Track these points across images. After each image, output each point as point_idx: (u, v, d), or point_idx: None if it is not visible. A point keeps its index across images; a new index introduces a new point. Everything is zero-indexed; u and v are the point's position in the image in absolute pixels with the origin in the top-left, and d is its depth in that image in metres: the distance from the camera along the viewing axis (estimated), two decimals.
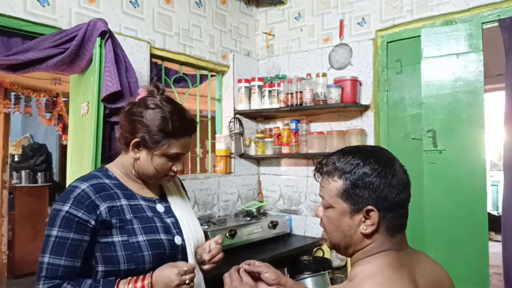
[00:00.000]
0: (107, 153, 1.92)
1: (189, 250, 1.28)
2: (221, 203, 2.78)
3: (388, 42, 2.51)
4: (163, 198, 1.34)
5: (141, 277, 1.12)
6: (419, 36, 2.29)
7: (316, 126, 2.80)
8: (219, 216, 2.67)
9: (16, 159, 5.37)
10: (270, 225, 2.53)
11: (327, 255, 2.64)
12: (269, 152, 2.88)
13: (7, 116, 4.16)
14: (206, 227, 2.24)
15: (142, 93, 1.28)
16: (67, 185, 2.11)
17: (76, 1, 2.05)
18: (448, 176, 2.17)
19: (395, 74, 2.49)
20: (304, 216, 2.83)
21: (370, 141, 2.53)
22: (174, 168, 1.25)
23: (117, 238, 1.15)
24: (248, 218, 2.54)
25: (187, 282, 1.11)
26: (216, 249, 1.32)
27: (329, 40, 2.77)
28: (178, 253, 1.25)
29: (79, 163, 1.85)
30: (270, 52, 3.10)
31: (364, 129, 2.54)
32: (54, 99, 4.34)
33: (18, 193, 4.74)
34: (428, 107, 2.25)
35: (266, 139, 2.89)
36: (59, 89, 4.24)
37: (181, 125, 1.22)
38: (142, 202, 1.26)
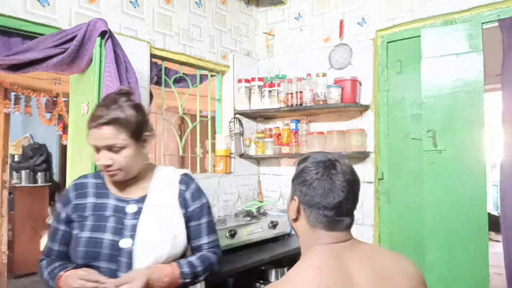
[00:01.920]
0: None
1: (138, 256, 1.22)
2: (221, 203, 2.77)
3: (388, 42, 2.51)
4: (142, 200, 1.31)
5: (68, 269, 1.22)
6: (419, 36, 2.29)
7: (316, 126, 2.80)
8: (219, 216, 2.67)
9: (16, 159, 5.37)
10: (270, 225, 2.53)
11: None
12: (269, 152, 2.88)
13: (7, 116, 4.16)
14: None
15: None
16: (67, 185, 2.12)
17: (76, 1, 2.05)
18: (448, 176, 2.17)
19: (395, 74, 2.49)
20: None
21: (370, 141, 2.53)
22: (97, 162, 1.25)
23: (75, 232, 1.27)
24: (248, 218, 2.54)
25: None
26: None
27: (329, 40, 2.77)
28: (120, 255, 1.22)
29: (79, 163, 1.85)
30: (270, 52, 3.10)
31: (364, 129, 2.54)
32: (54, 99, 4.34)
33: (18, 193, 4.74)
34: (428, 107, 2.25)
35: (266, 139, 2.89)
36: (59, 89, 4.24)
37: (92, 117, 1.24)
38: (112, 202, 1.30)
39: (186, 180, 1.40)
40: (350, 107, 2.53)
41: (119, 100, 1.26)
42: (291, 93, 2.66)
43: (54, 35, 1.80)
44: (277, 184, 3.01)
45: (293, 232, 2.80)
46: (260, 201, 2.96)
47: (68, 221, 1.29)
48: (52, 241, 1.31)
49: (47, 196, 5.02)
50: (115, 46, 1.80)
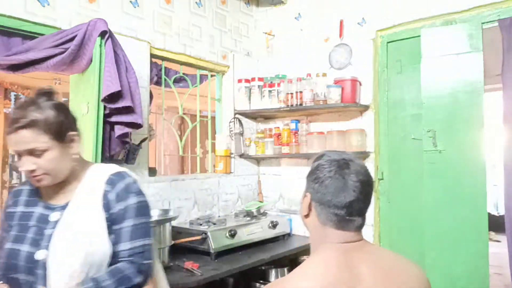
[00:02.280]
0: (107, 153, 1.92)
1: (52, 268, 1.13)
2: (221, 203, 2.78)
3: (388, 42, 2.51)
4: (65, 207, 1.22)
5: None
6: (419, 36, 2.29)
7: (316, 126, 2.80)
8: (219, 216, 2.67)
9: (16, 159, 5.36)
10: (270, 225, 2.53)
11: None
12: (269, 152, 2.88)
13: (7, 116, 4.16)
14: (206, 227, 2.24)
15: None
16: None
17: (76, 1, 2.05)
18: (448, 176, 2.17)
19: (395, 74, 2.49)
20: None
21: (370, 141, 2.53)
22: (20, 168, 1.18)
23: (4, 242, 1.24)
24: (248, 218, 2.54)
25: None
26: None
27: (329, 40, 2.77)
28: (36, 267, 1.15)
29: None
30: (270, 52, 3.10)
31: (364, 129, 2.54)
32: None
33: None
34: (428, 107, 2.25)
35: (266, 139, 2.89)
36: (59, 89, 4.19)
37: (11, 121, 1.16)
38: (39, 210, 1.23)
39: (113, 179, 1.24)
40: (350, 107, 2.53)
41: (37, 101, 1.17)
42: (291, 93, 2.66)
43: (54, 35, 1.80)
44: (277, 184, 3.01)
45: (293, 232, 2.81)
46: (260, 201, 2.96)
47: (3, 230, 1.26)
48: None
49: None
50: (115, 46, 1.80)
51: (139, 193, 1.26)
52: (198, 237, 2.15)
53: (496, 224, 3.85)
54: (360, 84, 2.58)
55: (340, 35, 2.70)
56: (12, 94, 4.03)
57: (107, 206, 1.21)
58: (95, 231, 1.17)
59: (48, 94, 1.22)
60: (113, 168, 1.28)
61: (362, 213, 0.98)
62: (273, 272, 2.33)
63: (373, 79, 2.55)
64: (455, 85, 2.18)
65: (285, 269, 2.40)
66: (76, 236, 1.15)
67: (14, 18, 1.83)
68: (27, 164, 1.14)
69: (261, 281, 2.30)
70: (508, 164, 2.06)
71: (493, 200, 6.26)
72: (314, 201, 0.98)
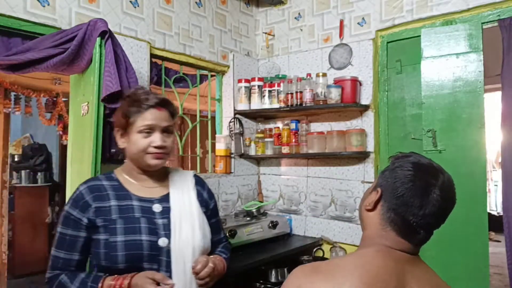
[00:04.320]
0: (107, 153, 1.92)
1: (175, 254, 1.26)
2: (221, 203, 2.77)
3: (388, 42, 2.51)
4: (165, 199, 1.34)
5: (123, 276, 1.19)
6: (419, 36, 2.29)
7: (316, 126, 2.80)
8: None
9: (16, 159, 5.37)
10: (270, 225, 2.53)
11: (327, 255, 2.64)
12: (269, 152, 2.88)
13: (7, 116, 4.16)
14: None
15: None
16: (67, 185, 2.12)
17: (76, 1, 2.05)
18: None
19: (395, 74, 2.49)
20: (304, 216, 2.83)
21: (370, 141, 2.53)
22: (152, 143, 1.27)
23: (101, 237, 1.23)
24: (248, 218, 2.54)
25: None
26: (200, 265, 1.27)
27: (329, 40, 2.77)
28: (161, 255, 1.25)
29: (79, 163, 1.85)
30: (270, 52, 3.10)
31: (364, 129, 2.54)
32: (54, 99, 4.34)
33: (18, 193, 4.74)
34: (428, 107, 2.25)
35: (266, 139, 2.89)
36: (59, 89, 4.24)
37: (145, 98, 1.28)
38: (136, 203, 1.29)
39: (199, 180, 1.49)
40: (350, 107, 2.53)
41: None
42: (291, 93, 2.66)
43: (54, 35, 1.80)
44: (277, 184, 3.01)
45: (293, 232, 2.81)
46: (260, 201, 2.96)
47: (91, 227, 1.24)
48: (69, 251, 1.23)
49: (47, 196, 5.02)
50: (115, 46, 1.80)
51: None
52: None
53: (496, 224, 3.85)
54: (360, 84, 2.58)
55: (340, 35, 2.70)
56: (12, 94, 4.02)
57: (203, 203, 1.43)
58: (204, 223, 1.36)
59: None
60: (186, 170, 1.50)
61: (430, 229, 0.92)
62: (273, 272, 2.33)
63: (373, 79, 2.55)
64: (455, 85, 2.19)
65: (285, 269, 2.40)
66: (193, 224, 1.31)
67: (14, 18, 1.83)
68: (161, 139, 1.27)
69: (261, 281, 2.30)
70: (507, 164, 2.06)
71: (494, 199, 6.28)
72: (384, 200, 0.91)
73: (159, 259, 1.24)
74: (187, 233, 1.29)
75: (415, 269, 0.89)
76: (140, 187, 1.33)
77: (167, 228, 1.27)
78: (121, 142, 1.33)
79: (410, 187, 0.87)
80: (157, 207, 1.30)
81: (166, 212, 1.30)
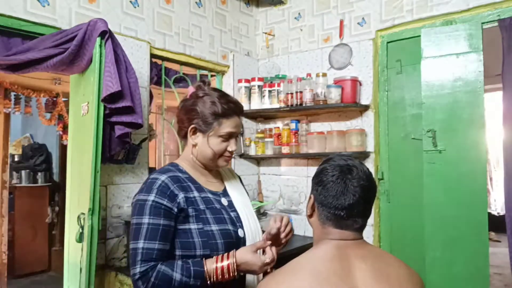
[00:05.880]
0: (107, 153, 1.93)
1: (249, 243, 1.33)
2: None
3: (388, 42, 2.51)
4: (225, 193, 1.41)
5: (224, 256, 1.23)
6: (419, 36, 2.29)
7: (316, 126, 2.80)
8: None
9: (16, 159, 5.37)
10: None
11: None
12: (269, 152, 2.88)
13: (7, 116, 4.16)
14: None
15: (191, 89, 1.40)
16: (67, 185, 2.11)
17: (76, 1, 2.05)
18: (448, 176, 2.17)
19: (395, 74, 2.49)
20: (304, 216, 2.83)
21: (370, 141, 2.53)
22: (229, 148, 1.34)
23: (193, 226, 1.25)
24: None
25: (268, 270, 1.26)
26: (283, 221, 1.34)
27: (329, 40, 2.77)
28: (240, 244, 1.31)
29: (79, 163, 1.85)
30: (270, 52, 3.10)
31: (364, 129, 2.54)
32: (54, 99, 4.34)
33: (18, 193, 4.74)
34: (428, 107, 2.25)
35: (266, 139, 2.89)
36: (59, 89, 4.24)
37: (229, 107, 1.33)
38: (210, 195, 1.34)
39: (240, 177, 1.60)
40: (350, 107, 2.53)
41: None
42: (291, 93, 2.66)
43: (54, 35, 1.80)
44: (277, 184, 3.01)
45: (293, 232, 2.81)
46: (260, 201, 2.96)
47: (181, 216, 1.24)
48: (163, 241, 1.20)
49: (47, 196, 5.02)
50: (115, 46, 1.79)
51: None
52: None
53: (496, 224, 3.85)
54: (360, 84, 2.58)
55: (340, 35, 2.70)
56: (12, 94, 4.02)
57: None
58: (255, 216, 1.44)
59: None
60: (226, 167, 1.53)
61: (362, 215, 1.02)
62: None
63: (373, 79, 2.55)
64: (455, 85, 2.19)
65: None
66: (252, 215, 1.41)
67: (14, 18, 1.83)
68: (233, 145, 1.35)
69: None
70: (509, 164, 2.06)
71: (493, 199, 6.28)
72: (317, 202, 1.04)
73: (237, 249, 1.30)
74: (252, 224, 1.38)
75: (359, 251, 0.99)
76: (205, 181, 1.38)
77: (238, 220, 1.34)
78: (191, 139, 1.34)
79: (332, 186, 1.01)
80: (224, 201, 1.37)
81: (231, 205, 1.37)
